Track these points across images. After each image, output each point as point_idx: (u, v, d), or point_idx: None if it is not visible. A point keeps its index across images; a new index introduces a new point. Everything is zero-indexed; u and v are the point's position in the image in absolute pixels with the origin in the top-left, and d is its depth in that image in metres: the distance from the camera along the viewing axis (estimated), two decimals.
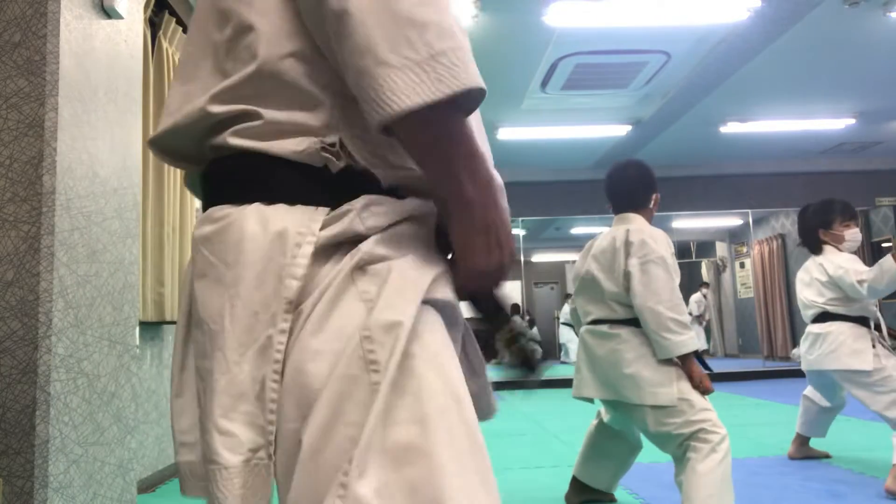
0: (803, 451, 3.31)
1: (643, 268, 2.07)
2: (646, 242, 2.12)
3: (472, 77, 0.55)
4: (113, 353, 2.13)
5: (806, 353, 3.05)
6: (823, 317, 2.98)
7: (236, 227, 0.60)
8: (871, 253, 8.53)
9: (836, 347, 2.88)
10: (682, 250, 10.86)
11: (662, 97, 5.56)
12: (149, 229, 3.02)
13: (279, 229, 0.58)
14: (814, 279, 3.03)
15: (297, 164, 0.60)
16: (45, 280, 1.78)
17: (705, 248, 11.33)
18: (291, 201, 0.60)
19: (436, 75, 0.53)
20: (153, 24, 3.23)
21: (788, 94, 5.66)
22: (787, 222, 9.49)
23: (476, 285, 0.65)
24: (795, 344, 9.39)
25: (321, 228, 0.59)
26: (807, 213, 3.15)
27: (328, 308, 0.57)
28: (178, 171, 3.31)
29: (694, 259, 11.14)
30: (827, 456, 3.29)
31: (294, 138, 0.60)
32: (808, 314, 3.09)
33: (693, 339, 2.05)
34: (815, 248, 3.09)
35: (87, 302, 1.97)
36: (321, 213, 0.60)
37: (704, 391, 2.03)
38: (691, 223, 9.27)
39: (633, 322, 2.12)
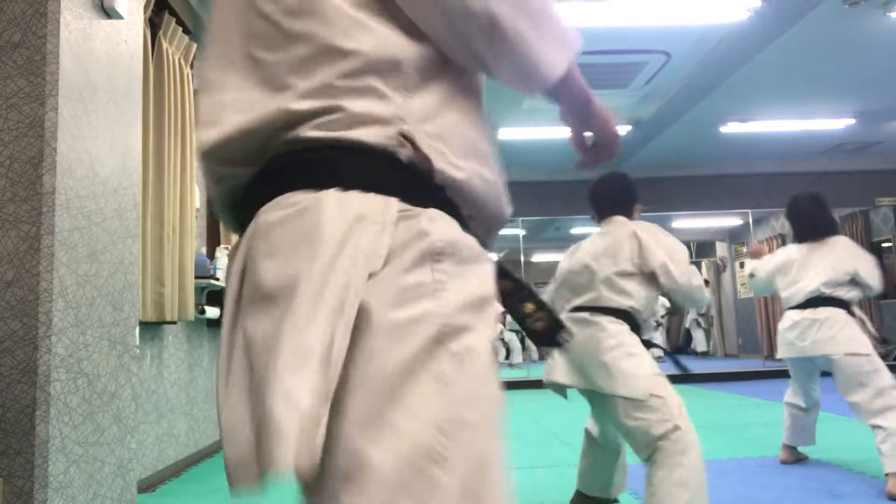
0: (794, 454, 3.30)
1: (672, 256, 2.19)
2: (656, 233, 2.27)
3: (577, 40, 0.77)
4: (113, 353, 2.13)
5: (796, 340, 3.03)
6: (819, 301, 2.99)
7: (313, 210, 0.63)
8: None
9: (836, 332, 2.88)
10: None
11: (662, 97, 5.56)
12: (149, 229, 3.02)
13: (358, 213, 0.63)
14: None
15: (369, 154, 0.65)
16: (45, 280, 1.78)
17: (705, 248, 11.33)
18: (365, 189, 0.64)
19: (565, 43, 0.75)
20: (153, 24, 3.23)
21: (788, 94, 5.66)
22: (787, 222, 9.50)
23: (613, 142, 0.89)
24: None
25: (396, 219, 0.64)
26: (812, 202, 3.37)
27: (403, 283, 0.62)
28: (178, 171, 3.31)
29: (694, 259, 11.14)
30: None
31: (370, 128, 0.65)
32: (797, 298, 3.09)
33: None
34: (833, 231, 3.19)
35: (87, 302, 1.97)
36: (394, 203, 0.64)
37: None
38: (691, 223, 9.27)
39: (615, 312, 2.15)
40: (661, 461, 1.93)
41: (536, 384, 7.47)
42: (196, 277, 3.62)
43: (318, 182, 0.64)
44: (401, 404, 0.58)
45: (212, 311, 3.90)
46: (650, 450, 1.98)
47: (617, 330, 2.11)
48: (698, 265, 11.19)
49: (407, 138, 0.66)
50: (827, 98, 5.83)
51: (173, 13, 3.33)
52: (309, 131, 0.65)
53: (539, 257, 11.44)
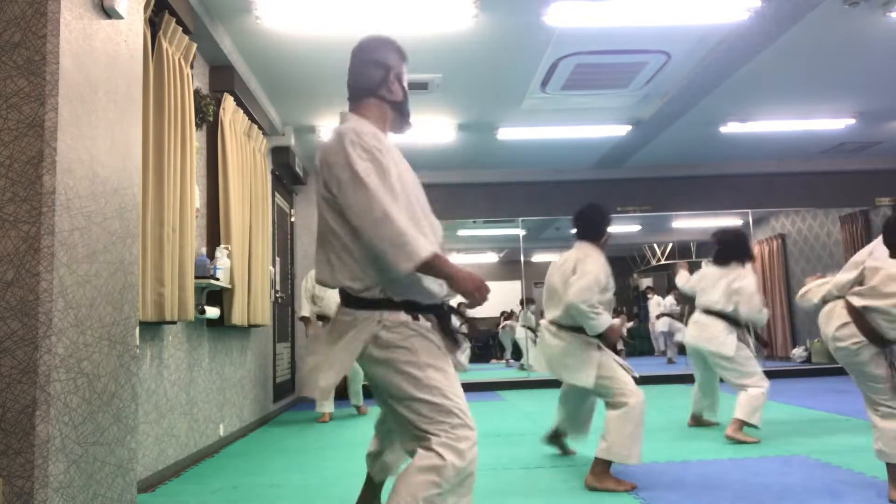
0: (698, 421, 4.43)
1: (577, 280, 3.02)
2: (587, 262, 3.07)
3: (423, 248, 1.68)
4: (113, 353, 2.13)
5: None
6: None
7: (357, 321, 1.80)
8: None
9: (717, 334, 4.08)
10: (682, 250, 10.86)
11: (662, 97, 5.55)
12: (149, 229, 3.02)
13: (367, 317, 1.78)
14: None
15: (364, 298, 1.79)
16: (45, 280, 1.78)
17: (705, 248, 11.32)
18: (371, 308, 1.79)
19: (409, 255, 1.68)
20: (153, 24, 3.23)
21: (788, 94, 5.66)
22: (786, 222, 9.49)
23: (475, 299, 1.74)
24: (795, 344, 9.39)
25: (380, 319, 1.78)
26: (735, 235, 4.31)
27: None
28: (178, 171, 3.31)
29: (694, 259, 11.13)
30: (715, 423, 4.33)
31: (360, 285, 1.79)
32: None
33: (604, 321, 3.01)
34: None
35: (87, 302, 1.97)
36: (378, 312, 1.77)
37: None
38: (691, 223, 9.27)
39: (575, 329, 3.06)
40: (613, 412, 2.96)
41: (536, 384, 7.48)
42: (196, 277, 3.62)
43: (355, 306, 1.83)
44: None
45: (212, 311, 3.90)
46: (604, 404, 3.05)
47: (573, 340, 3.08)
48: (698, 265, 11.18)
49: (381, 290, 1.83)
50: (827, 98, 5.83)
51: (173, 13, 3.33)
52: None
53: (539, 257, 11.43)
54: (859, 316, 2.54)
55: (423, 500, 1.59)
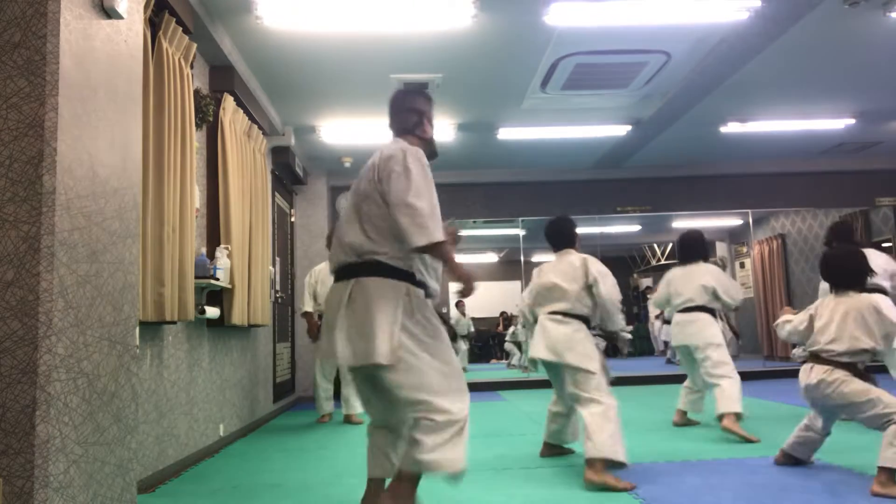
0: (684, 418, 4.53)
1: (602, 278, 3.27)
2: (596, 262, 3.35)
3: (437, 234, 2.13)
4: (113, 353, 2.13)
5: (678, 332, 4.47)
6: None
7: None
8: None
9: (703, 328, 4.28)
10: None
11: (662, 97, 5.55)
12: (149, 229, 3.02)
13: (395, 284, 2.20)
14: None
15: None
16: (45, 280, 1.78)
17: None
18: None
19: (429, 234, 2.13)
20: (153, 24, 3.23)
21: (788, 94, 5.66)
22: (786, 222, 9.48)
23: (465, 287, 2.22)
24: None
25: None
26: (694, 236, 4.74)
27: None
28: (178, 171, 3.31)
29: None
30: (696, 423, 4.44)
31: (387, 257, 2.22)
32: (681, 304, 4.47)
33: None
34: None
35: (87, 302, 1.97)
36: (405, 284, 2.22)
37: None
38: (691, 223, 9.27)
39: (581, 317, 3.29)
40: (592, 411, 3.05)
41: (536, 384, 7.47)
42: (196, 277, 3.62)
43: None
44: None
45: (212, 311, 3.89)
46: (579, 402, 3.16)
47: (580, 327, 3.26)
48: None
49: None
50: (827, 98, 5.83)
51: (173, 13, 3.33)
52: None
53: (539, 257, 11.43)
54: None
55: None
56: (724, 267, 11.08)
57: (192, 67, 3.68)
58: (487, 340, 12.04)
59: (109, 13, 2.18)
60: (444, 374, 2.15)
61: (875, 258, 4.20)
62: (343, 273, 2.26)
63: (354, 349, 2.14)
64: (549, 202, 7.98)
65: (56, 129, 1.84)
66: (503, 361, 11.49)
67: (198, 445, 3.83)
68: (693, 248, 4.59)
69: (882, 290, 4.12)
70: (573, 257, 3.40)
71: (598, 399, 3.03)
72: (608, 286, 3.28)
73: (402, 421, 2.32)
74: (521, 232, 8.44)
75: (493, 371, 9.80)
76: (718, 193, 8.08)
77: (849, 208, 8.54)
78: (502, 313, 11.50)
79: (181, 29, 3.44)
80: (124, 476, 2.17)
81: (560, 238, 3.51)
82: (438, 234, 2.12)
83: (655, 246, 11.63)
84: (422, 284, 2.27)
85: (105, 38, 2.16)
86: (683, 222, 9.11)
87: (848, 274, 2.97)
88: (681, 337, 4.37)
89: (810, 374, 2.90)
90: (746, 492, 2.69)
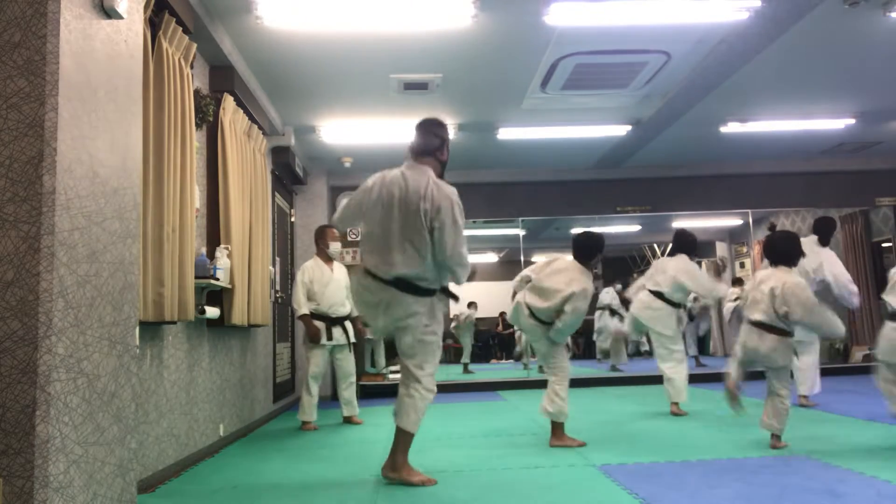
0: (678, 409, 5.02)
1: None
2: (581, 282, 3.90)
3: (466, 276, 3.12)
4: (113, 353, 2.13)
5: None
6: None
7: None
8: (871, 253, 8.52)
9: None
10: None
11: (662, 97, 5.55)
12: (149, 229, 3.02)
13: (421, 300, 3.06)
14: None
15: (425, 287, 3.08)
16: (45, 280, 1.78)
17: (705, 248, 11.32)
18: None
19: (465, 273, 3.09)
20: (153, 24, 3.23)
21: (788, 94, 5.66)
22: (787, 222, 9.48)
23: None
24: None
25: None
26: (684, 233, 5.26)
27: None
28: (178, 171, 3.31)
29: (694, 259, 11.12)
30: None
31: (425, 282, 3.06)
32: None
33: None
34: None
35: (87, 302, 1.97)
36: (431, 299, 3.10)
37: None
38: (691, 223, 9.26)
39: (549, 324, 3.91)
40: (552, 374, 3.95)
41: (536, 384, 7.47)
42: (196, 277, 3.62)
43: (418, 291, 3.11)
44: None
45: (212, 311, 3.89)
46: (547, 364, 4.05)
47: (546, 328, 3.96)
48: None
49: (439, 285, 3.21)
50: (827, 98, 5.83)
51: (173, 13, 3.33)
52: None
53: (539, 257, 11.43)
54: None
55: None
56: (724, 267, 11.08)
57: (192, 67, 3.68)
58: (487, 340, 12.04)
59: (109, 13, 2.18)
60: (434, 352, 3.13)
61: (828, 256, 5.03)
62: (393, 283, 3.00)
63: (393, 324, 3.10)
64: (549, 202, 7.98)
65: (56, 129, 1.84)
66: (503, 361, 11.49)
67: (198, 445, 3.83)
68: (679, 243, 5.21)
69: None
70: (570, 264, 4.09)
71: (562, 365, 3.91)
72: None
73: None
74: (521, 232, 8.43)
75: (493, 371, 9.80)
76: (718, 193, 8.08)
77: (849, 208, 8.54)
78: (502, 313, 11.50)
79: (181, 29, 3.43)
80: (124, 476, 2.17)
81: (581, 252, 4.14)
82: (468, 274, 3.09)
83: (655, 246, 11.62)
84: (440, 291, 3.17)
85: (105, 38, 2.16)
86: (683, 222, 9.11)
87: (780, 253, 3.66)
88: (640, 313, 5.13)
89: None
90: (746, 492, 2.69)
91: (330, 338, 4.95)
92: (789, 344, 3.51)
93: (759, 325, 3.50)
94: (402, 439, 3.01)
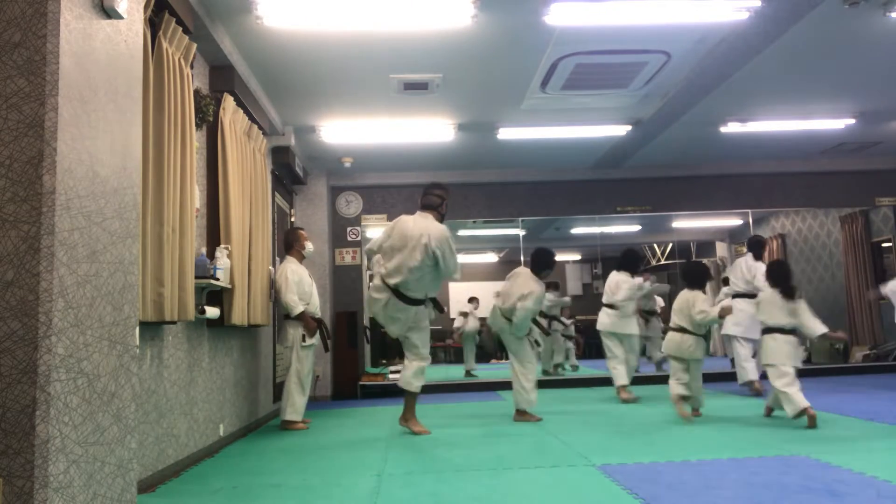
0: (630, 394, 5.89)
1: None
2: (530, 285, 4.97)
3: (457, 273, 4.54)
4: (113, 353, 2.13)
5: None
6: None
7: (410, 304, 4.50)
8: (870, 253, 8.52)
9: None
10: (682, 250, 10.85)
11: (662, 97, 5.55)
12: (149, 229, 3.02)
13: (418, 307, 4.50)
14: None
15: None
16: (45, 280, 1.78)
17: (705, 248, 11.32)
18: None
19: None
20: (153, 24, 3.23)
21: (788, 94, 5.66)
22: (786, 222, 9.48)
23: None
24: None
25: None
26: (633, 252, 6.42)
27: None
28: (178, 171, 3.31)
29: (694, 259, 11.13)
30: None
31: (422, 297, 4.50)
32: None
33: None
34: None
35: (87, 302, 1.97)
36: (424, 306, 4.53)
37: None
38: (691, 223, 9.27)
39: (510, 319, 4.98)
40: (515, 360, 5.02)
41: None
42: (196, 277, 3.62)
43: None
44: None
45: (211, 311, 3.89)
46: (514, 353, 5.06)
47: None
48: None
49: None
50: (827, 98, 5.83)
51: (173, 13, 3.33)
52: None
53: None
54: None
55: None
56: (724, 267, 11.09)
57: (192, 67, 3.68)
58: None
59: (109, 13, 2.18)
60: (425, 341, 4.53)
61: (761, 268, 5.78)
62: (404, 298, 4.36)
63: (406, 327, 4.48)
64: (549, 202, 7.98)
65: (56, 129, 1.84)
66: (503, 361, 11.48)
67: (198, 445, 3.83)
68: (627, 261, 6.33)
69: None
70: (523, 272, 5.19)
71: (527, 356, 4.97)
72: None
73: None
74: (521, 232, 8.43)
75: (493, 371, 9.80)
76: (718, 193, 8.08)
77: (849, 208, 8.54)
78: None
79: (181, 29, 3.44)
80: (124, 476, 2.17)
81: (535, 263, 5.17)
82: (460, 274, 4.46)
83: (655, 246, 11.63)
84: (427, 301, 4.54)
85: (105, 38, 2.16)
86: (683, 222, 9.11)
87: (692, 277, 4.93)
88: (607, 325, 6.15)
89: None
90: (746, 492, 2.69)
91: (312, 336, 5.07)
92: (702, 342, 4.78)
93: (679, 329, 4.80)
94: (408, 398, 4.47)
